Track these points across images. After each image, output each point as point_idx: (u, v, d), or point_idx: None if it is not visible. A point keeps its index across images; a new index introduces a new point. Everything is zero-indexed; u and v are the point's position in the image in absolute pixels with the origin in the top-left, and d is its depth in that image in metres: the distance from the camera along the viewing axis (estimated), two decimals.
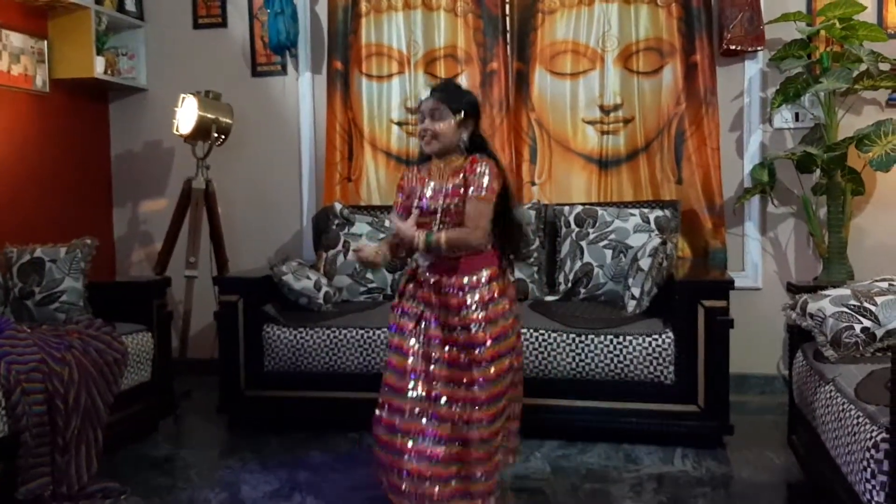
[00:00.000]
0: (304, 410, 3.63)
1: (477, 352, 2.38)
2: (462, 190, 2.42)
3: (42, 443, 2.74)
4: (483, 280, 2.43)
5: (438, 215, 2.45)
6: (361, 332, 3.54)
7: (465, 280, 2.43)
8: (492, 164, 2.43)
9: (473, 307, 2.41)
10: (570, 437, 3.39)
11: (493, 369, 2.38)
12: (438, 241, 2.39)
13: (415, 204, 2.50)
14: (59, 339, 3.00)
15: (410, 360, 2.44)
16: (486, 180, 2.40)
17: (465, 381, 2.39)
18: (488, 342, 2.38)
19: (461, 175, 2.43)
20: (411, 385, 2.41)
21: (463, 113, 2.45)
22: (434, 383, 2.40)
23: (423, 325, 2.47)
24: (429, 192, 2.48)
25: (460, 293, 2.42)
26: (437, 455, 2.34)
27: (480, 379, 2.37)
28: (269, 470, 3.16)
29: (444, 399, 2.38)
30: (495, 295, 2.43)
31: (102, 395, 3.02)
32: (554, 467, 3.13)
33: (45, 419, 2.76)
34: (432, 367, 2.41)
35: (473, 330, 2.39)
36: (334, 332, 3.56)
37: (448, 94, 2.48)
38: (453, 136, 2.45)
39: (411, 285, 2.53)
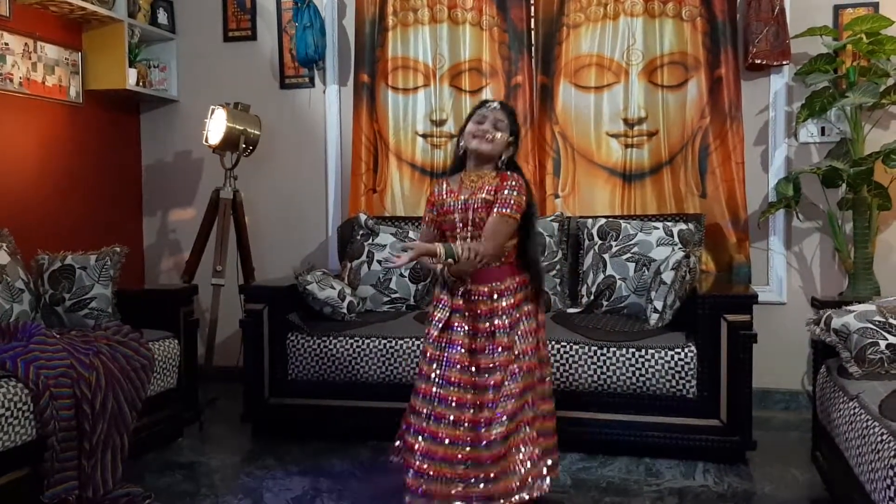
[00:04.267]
0: (326, 419, 3.65)
1: (494, 356, 2.51)
2: (490, 205, 2.55)
3: (69, 447, 2.78)
4: (511, 288, 2.58)
5: (469, 228, 2.57)
6: (384, 341, 3.56)
7: (494, 286, 2.56)
8: (521, 182, 2.59)
9: (500, 313, 2.54)
10: (590, 450, 3.38)
11: (502, 374, 2.51)
12: (457, 252, 2.47)
13: (444, 217, 2.63)
14: (88, 344, 3.03)
15: (432, 364, 2.57)
16: (513, 197, 2.54)
17: (476, 383, 2.52)
18: (504, 349, 2.52)
19: (492, 190, 2.56)
20: (427, 386, 2.55)
21: (514, 137, 2.65)
22: (449, 387, 2.51)
23: (449, 332, 2.58)
24: (459, 205, 2.59)
25: (489, 300, 2.56)
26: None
27: (492, 382, 2.49)
28: (292, 477, 3.19)
29: (453, 401, 2.49)
30: (520, 303, 2.58)
31: (129, 400, 3.05)
32: (574, 480, 3.12)
33: (72, 424, 2.79)
34: (447, 370, 2.53)
35: (498, 336, 2.53)
36: (357, 341, 3.59)
37: (511, 115, 2.67)
38: (500, 150, 2.61)
39: (443, 295, 2.63)
